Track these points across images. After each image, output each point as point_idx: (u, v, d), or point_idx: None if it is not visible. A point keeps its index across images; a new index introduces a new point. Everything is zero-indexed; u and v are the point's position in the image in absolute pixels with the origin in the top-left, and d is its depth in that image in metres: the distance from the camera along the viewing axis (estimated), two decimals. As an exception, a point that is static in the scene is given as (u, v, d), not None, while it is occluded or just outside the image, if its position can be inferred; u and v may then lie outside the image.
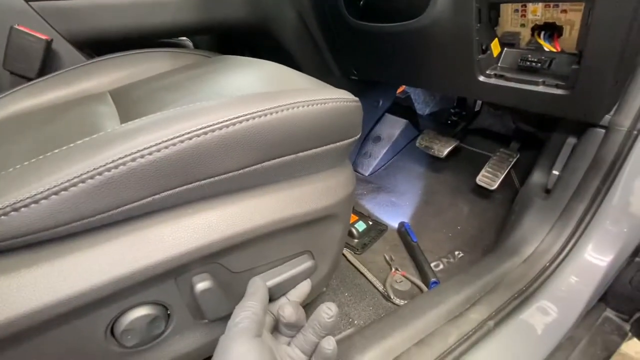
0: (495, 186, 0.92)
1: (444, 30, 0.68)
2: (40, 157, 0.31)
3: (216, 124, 0.33)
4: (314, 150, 0.40)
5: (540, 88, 0.63)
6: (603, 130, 0.60)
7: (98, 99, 0.52)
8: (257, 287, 0.39)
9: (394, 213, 1.04)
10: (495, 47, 0.69)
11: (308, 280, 0.47)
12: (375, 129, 1.35)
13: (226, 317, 0.37)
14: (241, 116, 0.34)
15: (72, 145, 0.32)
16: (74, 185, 0.28)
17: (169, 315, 0.39)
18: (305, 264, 0.45)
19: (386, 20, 0.76)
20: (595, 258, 0.60)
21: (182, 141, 0.31)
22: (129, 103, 0.48)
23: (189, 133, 0.31)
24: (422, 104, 1.49)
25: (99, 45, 0.74)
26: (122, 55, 0.68)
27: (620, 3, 0.45)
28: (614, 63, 0.50)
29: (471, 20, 0.63)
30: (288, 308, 0.39)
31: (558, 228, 0.64)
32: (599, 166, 0.60)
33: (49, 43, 0.63)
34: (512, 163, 0.95)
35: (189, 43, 1.08)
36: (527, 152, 0.97)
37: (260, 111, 0.34)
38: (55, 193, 0.28)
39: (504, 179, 0.93)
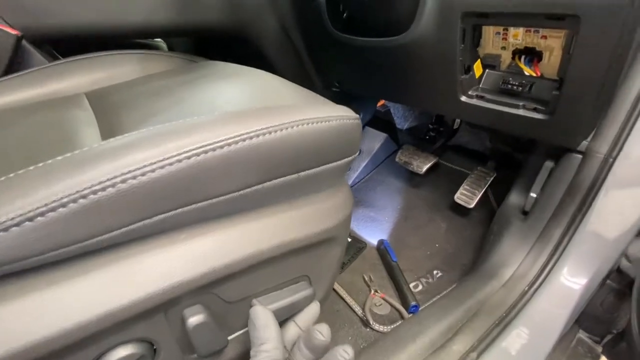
0: (472, 204, 0.93)
1: (428, 48, 0.67)
2: (11, 175, 0.26)
3: (217, 142, 0.29)
4: (315, 169, 0.38)
5: (521, 111, 0.63)
6: (580, 156, 0.61)
7: (73, 102, 0.47)
8: (267, 319, 0.36)
9: (373, 229, 1.02)
10: (477, 68, 0.69)
11: (316, 302, 0.44)
12: (355, 141, 1.34)
13: (218, 352, 0.33)
14: (244, 134, 0.31)
15: (50, 161, 0.27)
16: (53, 210, 0.24)
17: (154, 351, 0.34)
18: (304, 290, 0.42)
19: (370, 34, 0.75)
20: (571, 282, 0.60)
21: (179, 160, 0.28)
22: (107, 108, 0.44)
23: (187, 152, 0.28)
24: (401, 119, 1.49)
25: (66, 44, 0.68)
26: (97, 55, 0.62)
27: (603, 33, 0.45)
28: (595, 91, 0.51)
29: (455, 40, 0.62)
30: (324, 328, 0.36)
31: (535, 251, 0.65)
32: (576, 192, 0.61)
33: (19, 39, 0.56)
34: (489, 182, 0.96)
35: (163, 45, 1.02)
36: (503, 172, 0.99)
37: (263, 129, 0.32)
38: (30, 219, 0.23)
39: (481, 197, 0.94)
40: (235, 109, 0.37)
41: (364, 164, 1.27)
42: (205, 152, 0.29)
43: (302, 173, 0.37)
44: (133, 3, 0.70)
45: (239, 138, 0.31)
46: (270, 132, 0.32)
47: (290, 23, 0.91)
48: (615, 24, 0.44)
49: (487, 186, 0.95)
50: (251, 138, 0.31)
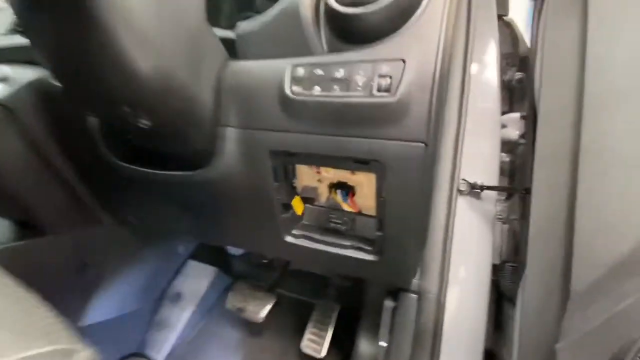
0: (323, 353, 0.76)
1: (239, 185, 0.54)
2: None
3: None
4: None
5: (349, 252, 0.55)
6: (415, 296, 0.56)
7: None
8: None
9: None
10: (297, 204, 0.60)
11: None
12: (174, 284, 1.03)
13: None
14: None
15: None
16: None
17: None
18: None
19: (162, 166, 0.58)
20: None
21: None
22: None
23: None
24: (235, 244, 1.31)
25: None
26: None
27: (407, 176, 0.43)
28: (414, 231, 0.47)
29: (269, 177, 0.52)
30: None
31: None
32: (423, 339, 0.53)
33: None
34: (335, 317, 0.83)
35: None
36: (347, 299, 0.90)
37: None
38: None
39: (332, 339, 0.79)
40: None
41: (187, 315, 0.96)
42: None
43: None
44: None
45: None
46: None
47: (50, 147, 0.64)
48: (416, 167, 0.42)
49: (334, 324, 0.82)
50: None
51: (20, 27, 0.69)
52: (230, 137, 0.51)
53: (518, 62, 0.67)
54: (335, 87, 0.42)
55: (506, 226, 0.64)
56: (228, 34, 0.51)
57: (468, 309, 0.53)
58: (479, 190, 0.57)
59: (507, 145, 0.64)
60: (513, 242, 0.64)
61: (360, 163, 0.47)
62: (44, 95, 0.61)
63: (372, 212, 0.59)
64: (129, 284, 0.90)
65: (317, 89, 0.43)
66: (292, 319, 0.93)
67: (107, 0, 0.36)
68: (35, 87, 0.61)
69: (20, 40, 0.66)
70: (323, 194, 0.65)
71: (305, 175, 0.64)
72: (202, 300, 1.00)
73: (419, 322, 0.54)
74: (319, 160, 0.52)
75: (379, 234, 0.51)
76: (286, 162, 0.52)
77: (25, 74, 0.63)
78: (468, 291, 0.54)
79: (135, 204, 0.71)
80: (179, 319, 0.94)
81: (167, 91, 0.44)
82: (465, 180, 0.57)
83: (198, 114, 0.49)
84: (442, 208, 0.52)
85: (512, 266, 0.63)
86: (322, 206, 0.62)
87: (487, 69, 0.60)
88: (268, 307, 0.84)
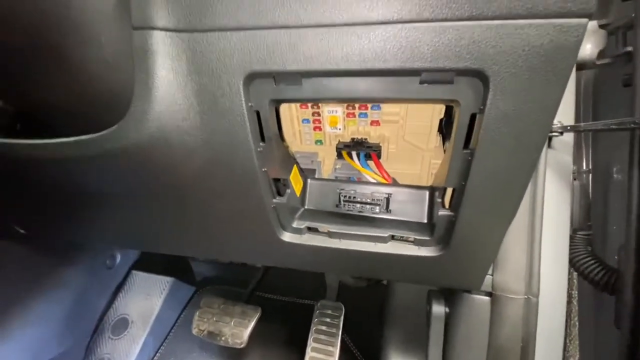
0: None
1: (189, 153, 0.30)
2: None
3: None
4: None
5: (388, 247, 0.34)
6: (487, 298, 0.37)
7: None
8: None
9: None
10: (295, 179, 0.37)
11: None
12: (113, 307, 0.76)
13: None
14: None
15: None
16: None
17: None
18: None
19: (49, 129, 0.31)
20: None
21: None
22: None
23: None
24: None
25: None
26: None
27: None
28: (502, 209, 0.28)
29: (245, 133, 0.28)
30: None
31: None
32: (506, 356, 0.35)
33: None
34: (342, 324, 0.64)
35: None
36: (350, 296, 0.71)
37: None
38: None
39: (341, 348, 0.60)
40: None
41: (140, 344, 0.71)
42: None
43: None
44: None
45: None
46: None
47: None
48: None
49: (341, 333, 0.62)
50: None
51: None
52: (164, 54, 0.26)
53: None
54: None
55: (577, 183, 0.47)
56: None
57: (561, 311, 0.36)
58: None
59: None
60: (585, 204, 0.48)
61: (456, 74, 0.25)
62: None
63: (418, 179, 0.39)
64: (48, 319, 0.62)
65: None
66: (284, 330, 0.72)
67: None
68: None
69: None
70: (327, 160, 0.44)
71: (297, 136, 0.41)
72: (157, 324, 0.74)
73: (496, 332, 0.36)
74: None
75: (445, 214, 0.31)
76: (276, 97, 0.28)
77: None
78: (558, 286, 0.37)
79: (13, 204, 0.43)
80: (129, 353, 0.69)
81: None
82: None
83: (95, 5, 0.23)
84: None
85: (585, 236, 0.47)
86: (331, 180, 0.40)
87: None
88: (251, 325, 0.62)
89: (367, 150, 0.40)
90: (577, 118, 0.46)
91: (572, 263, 0.43)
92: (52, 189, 0.38)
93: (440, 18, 0.22)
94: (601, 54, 0.43)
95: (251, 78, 0.26)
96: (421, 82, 0.25)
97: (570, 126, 0.38)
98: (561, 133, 0.39)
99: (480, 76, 0.24)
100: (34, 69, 0.25)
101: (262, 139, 0.30)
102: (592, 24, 0.43)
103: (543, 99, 0.23)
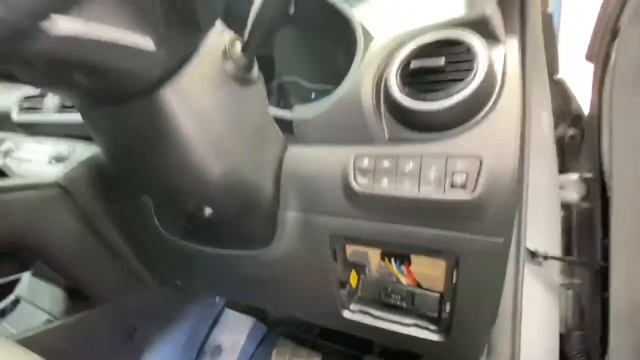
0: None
1: (297, 264, 0.54)
2: None
3: None
4: None
5: (412, 330, 0.53)
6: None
7: None
8: None
9: None
10: (353, 279, 0.59)
11: None
12: (211, 336, 1.02)
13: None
14: None
15: None
16: None
17: None
18: None
19: (220, 244, 0.58)
20: None
21: None
22: None
23: None
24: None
25: None
26: None
27: (482, 267, 0.42)
28: (486, 311, 0.46)
29: (327, 258, 0.51)
30: None
31: None
32: None
33: None
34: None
35: None
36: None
37: None
38: None
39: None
40: None
41: (229, 369, 0.95)
42: None
43: None
44: None
45: None
46: None
47: (104, 222, 0.65)
48: (494, 259, 0.41)
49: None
50: None
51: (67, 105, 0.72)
52: (290, 220, 0.50)
53: (570, 119, 0.66)
54: (405, 180, 0.41)
55: (570, 292, 0.61)
56: (284, 114, 0.51)
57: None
58: (544, 259, 0.55)
59: (565, 209, 0.62)
60: (579, 308, 0.61)
61: (431, 251, 0.45)
62: (98, 173, 0.63)
63: (433, 286, 0.58)
64: (171, 342, 0.89)
65: (384, 183, 0.42)
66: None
67: (181, 108, 0.36)
68: (89, 166, 0.62)
69: (74, 117, 0.68)
70: (373, 260, 0.64)
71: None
72: (242, 353, 0.98)
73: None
74: (382, 245, 0.51)
75: (446, 315, 0.50)
76: (348, 244, 0.51)
77: (80, 151, 0.65)
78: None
79: (185, 273, 0.71)
80: (221, 375, 0.93)
81: (233, 187, 0.44)
82: (528, 248, 0.55)
83: (259, 201, 0.49)
84: (510, 280, 0.50)
85: (581, 335, 0.59)
86: (377, 278, 0.61)
87: (542, 130, 0.59)
88: (314, 367, 0.82)
89: (401, 258, 0.60)
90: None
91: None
92: (213, 270, 0.65)
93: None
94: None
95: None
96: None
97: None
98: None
99: None
100: (233, 226, 0.51)
101: (335, 259, 0.53)
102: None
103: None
